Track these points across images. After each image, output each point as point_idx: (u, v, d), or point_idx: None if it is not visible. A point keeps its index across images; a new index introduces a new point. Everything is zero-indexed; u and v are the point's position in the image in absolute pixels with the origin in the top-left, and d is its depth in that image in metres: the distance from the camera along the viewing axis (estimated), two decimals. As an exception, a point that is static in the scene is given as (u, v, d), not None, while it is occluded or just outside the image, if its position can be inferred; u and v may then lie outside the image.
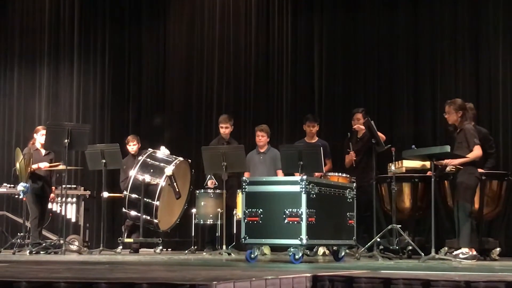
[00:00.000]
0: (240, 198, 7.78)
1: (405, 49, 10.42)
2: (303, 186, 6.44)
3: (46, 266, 5.54)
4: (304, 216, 6.39)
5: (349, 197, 7.20)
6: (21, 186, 8.93)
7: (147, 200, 9.02)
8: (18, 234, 9.25)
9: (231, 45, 11.47)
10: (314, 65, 10.91)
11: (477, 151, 7.48)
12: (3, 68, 12.32)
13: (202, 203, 9.28)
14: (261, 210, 6.56)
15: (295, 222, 6.41)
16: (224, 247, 8.51)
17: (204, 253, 9.09)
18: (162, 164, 9.14)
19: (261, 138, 9.43)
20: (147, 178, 9.06)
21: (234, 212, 9.06)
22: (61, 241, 8.63)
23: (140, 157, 9.26)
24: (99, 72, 12.01)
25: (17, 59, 12.25)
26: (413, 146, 7.78)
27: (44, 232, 9.77)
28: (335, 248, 7.19)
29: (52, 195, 9.66)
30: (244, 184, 6.72)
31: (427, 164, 7.60)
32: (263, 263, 6.73)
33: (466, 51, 10.08)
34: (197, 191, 9.41)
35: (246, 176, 9.03)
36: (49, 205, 9.75)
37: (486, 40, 9.98)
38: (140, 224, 9.10)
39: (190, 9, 11.87)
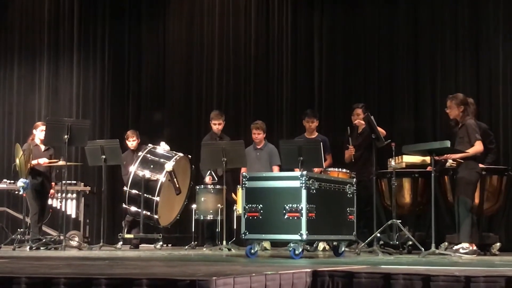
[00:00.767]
0: (240, 194, 7.78)
1: (406, 44, 10.42)
2: (303, 181, 6.43)
3: (46, 262, 5.54)
4: (304, 212, 6.39)
5: (349, 192, 7.20)
6: (21, 182, 8.93)
7: (147, 195, 9.02)
8: (18, 230, 9.25)
9: (230, 41, 11.46)
10: (314, 61, 10.90)
11: (478, 146, 7.48)
12: (3, 64, 12.31)
13: (202, 199, 9.29)
14: (261, 205, 6.55)
15: (295, 218, 6.41)
16: (224, 242, 8.51)
17: (204, 249, 9.09)
18: (162, 160, 9.14)
19: (257, 135, 9.43)
20: (147, 173, 9.06)
21: (234, 207, 9.06)
22: (61, 237, 8.63)
23: (140, 153, 9.26)
24: (98, 68, 12.00)
25: (17, 55, 12.24)
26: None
27: (44, 228, 9.79)
28: (335, 243, 7.19)
29: (52, 191, 9.67)
30: (244, 179, 6.72)
31: (427, 159, 7.60)
32: (263, 259, 6.73)
33: (466, 47, 10.07)
34: (197, 187, 9.41)
35: (243, 171, 9.04)
36: (49, 201, 9.76)
37: (487, 35, 9.97)
38: (140, 220, 9.10)
39: (189, 5, 11.85)
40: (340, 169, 8.55)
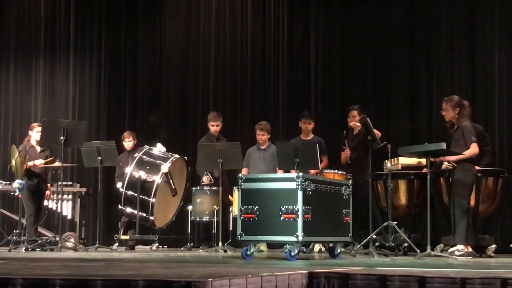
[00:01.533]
0: (236, 195, 7.78)
1: (401, 45, 10.44)
2: (299, 183, 6.44)
3: (42, 263, 5.54)
4: (300, 213, 6.39)
5: (345, 194, 7.21)
6: (16, 183, 8.92)
7: (143, 197, 9.01)
8: (14, 231, 9.25)
9: (227, 42, 11.46)
10: (310, 62, 10.92)
11: (473, 149, 7.48)
12: (-1, 64, 12.31)
13: (198, 200, 9.28)
14: (257, 207, 6.56)
15: (291, 219, 6.41)
16: (220, 244, 8.51)
17: (200, 250, 9.08)
18: (158, 161, 9.13)
19: (261, 136, 9.41)
20: (143, 175, 9.05)
21: (230, 209, 9.06)
22: (57, 238, 8.61)
23: (136, 154, 9.25)
24: (95, 69, 11.99)
25: (12, 55, 12.22)
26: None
27: (40, 229, 9.77)
28: (331, 245, 7.19)
29: (47, 192, 9.66)
30: (240, 181, 6.72)
31: (423, 161, 7.61)
32: (259, 260, 6.73)
33: (462, 48, 10.10)
34: (193, 188, 9.40)
35: (244, 172, 9.04)
36: (45, 202, 9.75)
37: (482, 38, 10.00)
38: (136, 221, 9.09)
39: (186, 6, 11.86)
40: (336, 171, 8.55)
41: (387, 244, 7.92)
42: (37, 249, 8.70)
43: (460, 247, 7.35)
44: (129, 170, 9.08)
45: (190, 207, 9.38)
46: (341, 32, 10.83)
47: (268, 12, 11.26)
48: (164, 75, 11.83)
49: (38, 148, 9.49)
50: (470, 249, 7.39)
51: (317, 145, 8.33)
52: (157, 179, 8.98)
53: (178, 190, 9.24)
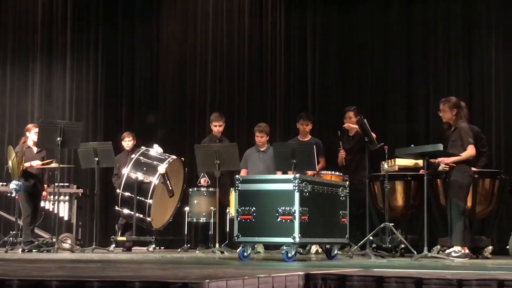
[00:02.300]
0: (233, 196, 7.78)
1: (398, 46, 10.45)
2: (296, 184, 6.44)
3: (39, 264, 5.53)
4: (297, 215, 6.39)
5: (342, 195, 7.21)
6: (13, 184, 8.91)
7: (140, 198, 9.00)
8: (11, 232, 9.24)
9: (224, 43, 11.46)
10: (307, 63, 10.92)
11: (470, 150, 7.48)
12: (-4, 65, 12.29)
13: (195, 201, 9.28)
14: (254, 208, 6.56)
15: (288, 221, 6.41)
16: (217, 245, 8.50)
17: (197, 252, 9.08)
18: (155, 162, 9.12)
19: (261, 138, 9.39)
20: (140, 176, 9.04)
21: (227, 210, 9.05)
22: (54, 239, 8.61)
23: (133, 155, 9.24)
24: (92, 70, 11.98)
25: (9, 56, 12.20)
26: (412, 145, 7.78)
27: (37, 230, 9.75)
28: (327, 246, 7.20)
29: (44, 193, 9.64)
30: (237, 182, 6.72)
31: (420, 162, 7.61)
32: (256, 261, 6.73)
33: (459, 49, 10.11)
34: (190, 189, 9.40)
35: (243, 174, 9.04)
36: (42, 203, 9.74)
37: (479, 38, 10.01)
38: (133, 222, 9.08)
39: (183, 6, 11.85)
40: (333, 172, 8.55)
41: (384, 245, 7.92)
42: (33, 250, 8.69)
43: (456, 248, 7.36)
44: (126, 171, 9.08)
45: (187, 208, 9.37)
46: (338, 33, 10.83)
47: (265, 12, 11.26)
48: (161, 76, 11.82)
49: (35, 149, 9.48)
50: (467, 251, 7.39)
51: (314, 146, 8.33)
52: (154, 180, 8.98)
53: (175, 191, 9.23)
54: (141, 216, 9.03)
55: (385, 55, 10.53)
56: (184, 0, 11.87)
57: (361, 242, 7.77)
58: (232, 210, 8.42)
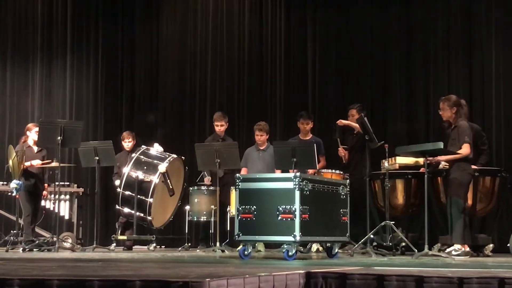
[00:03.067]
0: (233, 195, 7.78)
1: (398, 45, 10.46)
2: (297, 183, 6.44)
3: (39, 263, 5.53)
4: (297, 213, 6.39)
5: (343, 193, 7.21)
6: (14, 184, 8.90)
7: (141, 197, 9.00)
8: (11, 231, 9.24)
9: (224, 43, 11.46)
10: (307, 62, 10.92)
11: (465, 149, 7.46)
12: (-4, 64, 12.29)
13: (196, 200, 9.29)
14: (254, 207, 6.56)
15: (289, 219, 6.41)
16: (217, 244, 8.50)
17: (198, 250, 9.09)
18: (155, 161, 9.12)
19: (260, 137, 9.38)
20: (141, 175, 9.04)
21: (228, 209, 9.05)
22: (54, 239, 8.61)
23: (133, 154, 9.24)
24: (92, 69, 11.98)
25: (9, 55, 12.19)
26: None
27: (37, 230, 9.76)
28: (328, 244, 7.19)
29: (45, 192, 9.65)
30: (237, 181, 6.72)
31: (420, 160, 7.61)
32: (256, 260, 6.73)
33: (459, 48, 10.11)
34: (191, 188, 9.40)
35: (243, 173, 9.04)
36: (42, 203, 9.74)
37: (479, 36, 10.01)
38: (133, 221, 9.09)
39: (183, 6, 11.85)
40: (333, 171, 8.56)
41: (384, 243, 7.92)
42: (34, 250, 8.69)
43: (457, 246, 7.36)
44: (126, 170, 9.08)
45: (187, 207, 9.38)
46: (338, 32, 10.83)
47: (265, 13, 11.26)
48: (161, 76, 11.83)
49: (35, 149, 9.48)
50: (468, 249, 7.39)
51: (315, 145, 8.33)
52: (155, 179, 8.98)
53: (175, 190, 9.24)
54: (142, 215, 9.03)
55: (385, 54, 10.53)
56: (184, 0, 11.86)
57: (362, 240, 7.76)
58: (232, 209, 8.42)
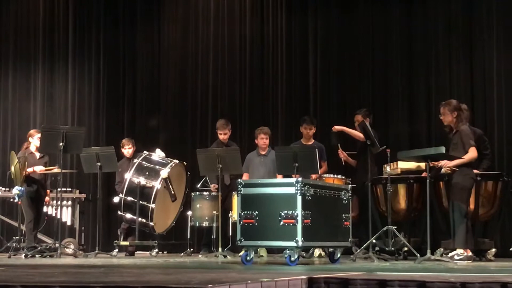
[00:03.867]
0: (235, 200, 7.77)
1: (400, 49, 10.46)
2: (299, 188, 6.44)
3: (42, 269, 5.53)
4: (299, 218, 6.39)
5: (345, 198, 7.21)
6: (16, 190, 8.92)
7: (143, 202, 9.00)
8: (14, 237, 9.25)
9: (225, 47, 11.48)
10: (308, 66, 10.93)
11: (472, 153, 7.47)
12: (-2, 71, 12.31)
13: (198, 206, 9.28)
14: (256, 212, 6.56)
15: (291, 224, 6.41)
16: (220, 249, 8.50)
17: (200, 256, 9.08)
18: (157, 167, 9.12)
19: (266, 141, 9.35)
20: (143, 180, 9.04)
21: (230, 214, 9.04)
22: (57, 245, 8.60)
23: (135, 160, 9.25)
24: (94, 75, 11.99)
25: (11, 61, 12.22)
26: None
27: (40, 236, 9.76)
28: (330, 249, 7.19)
29: (47, 198, 9.65)
30: (239, 186, 6.72)
31: (422, 165, 7.61)
32: (259, 266, 6.72)
33: (460, 51, 10.11)
34: (193, 194, 9.40)
35: (245, 178, 9.03)
36: (44, 209, 9.74)
37: (481, 40, 10.01)
38: (135, 227, 9.09)
39: (184, 11, 11.87)
40: (335, 176, 8.55)
41: (387, 248, 7.91)
42: (36, 256, 8.69)
43: (459, 251, 7.35)
44: (128, 176, 9.08)
45: (189, 213, 9.38)
46: (340, 35, 10.84)
47: (266, 16, 11.28)
48: (163, 80, 11.84)
49: (38, 155, 9.49)
50: (470, 253, 7.38)
51: (317, 150, 8.33)
52: (157, 184, 8.98)
53: (177, 196, 9.24)
54: (144, 220, 9.03)
55: (387, 57, 10.53)
56: (186, 4, 11.88)
57: (364, 245, 7.75)
58: (234, 214, 8.42)
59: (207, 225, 9.24)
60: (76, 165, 10.89)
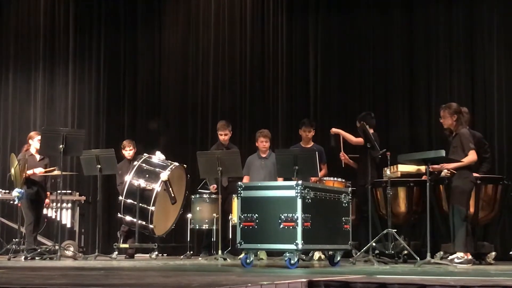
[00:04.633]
0: (235, 203, 7.77)
1: (400, 52, 10.46)
2: (299, 191, 6.44)
3: (41, 272, 5.53)
4: (299, 221, 6.39)
5: (345, 201, 7.21)
6: (16, 192, 8.92)
7: (143, 205, 9.00)
8: (13, 239, 9.24)
9: (226, 50, 11.48)
10: (309, 69, 10.94)
11: (472, 156, 7.48)
12: (-2, 72, 12.32)
13: (198, 208, 9.28)
14: (256, 215, 6.56)
15: (291, 227, 6.41)
16: (219, 252, 8.50)
17: (200, 258, 9.07)
18: (157, 169, 9.12)
19: (265, 144, 9.36)
20: (143, 183, 9.04)
21: (230, 217, 9.04)
22: (56, 247, 8.60)
23: (135, 162, 9.25)
24: (94, 77, 12.00)
25: (12, 63, 12.24)
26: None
27: (39, 238, 9.76)
28: (330, 252, 7.19)
29: (47, 200, 9.65)
30: (239, 189, 6.72)
31: (422, 168, 7.61)
32: (258, 268, 6.72)
33: (461, 55, 10.12)
34: (193, 196, 9.39)
35: (245, 181, 9.04)
36: (44, 211, 9.74)
37: (481, 43, 10.02)
38: (135, 229, 9.09)
39: (185, 14, 11.88)
40: (335, 179, 8.55)
41: (386, 251, 7.91)
42: (36, 258, 8.69)
43: (459, 254, 7.35)
44: (128, 178, 9.08)
45: (189, 215, 9.37)
46: (340, 38, 10.85)
47: (266, 19, 11.29)
48: (164, 83, 11.85)
49: (38, 157, 9.49)
50: (470, 257, 7.38)
51: (317, 152, 8.33)
52: (157, 187, 8.98)
53: (177, 198, 9.24)
54: (144, 223, 9.03)
55: (387, 60, 10.53)
56: (186, 7, 11.90)
57: (364, 248, 7.75)
58: (234, 217, 8.42)
59: (207, 227, 9.24)
60: (76, 167, 10.90)
